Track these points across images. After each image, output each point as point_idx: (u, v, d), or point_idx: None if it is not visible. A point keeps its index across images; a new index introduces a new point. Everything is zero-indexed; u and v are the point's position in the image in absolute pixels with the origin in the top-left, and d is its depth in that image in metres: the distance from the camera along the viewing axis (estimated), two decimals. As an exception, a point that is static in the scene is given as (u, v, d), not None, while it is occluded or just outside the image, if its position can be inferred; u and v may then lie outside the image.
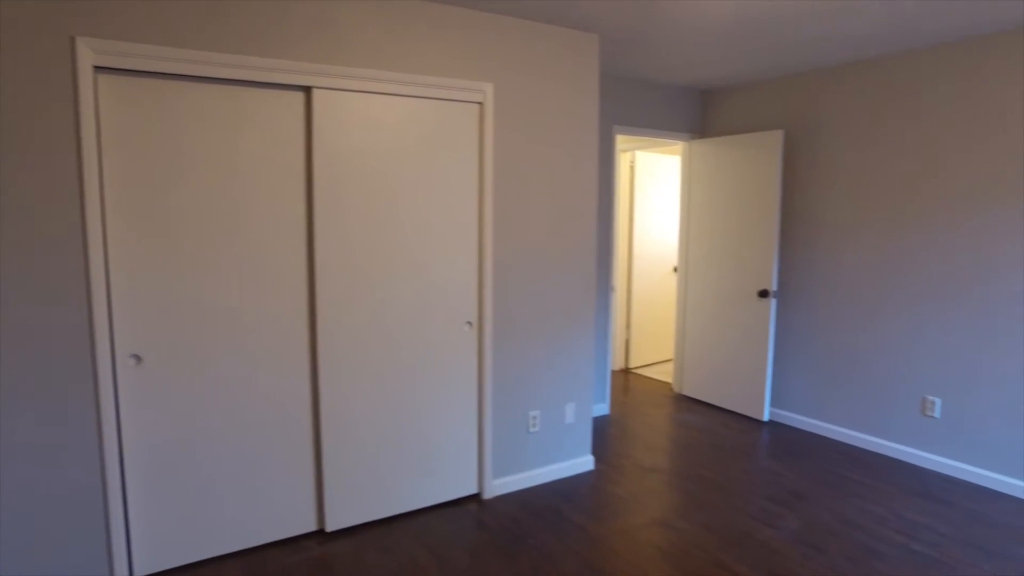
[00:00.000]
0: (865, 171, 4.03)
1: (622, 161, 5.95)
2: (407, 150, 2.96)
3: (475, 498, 3.34)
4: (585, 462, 3.69)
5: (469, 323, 3.22)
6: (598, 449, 4.03)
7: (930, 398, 3.77)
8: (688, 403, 5.03)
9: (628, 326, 6.03)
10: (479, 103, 3.14)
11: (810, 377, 4.41)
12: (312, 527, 2.94)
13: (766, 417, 4.57)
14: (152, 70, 2.38)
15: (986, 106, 3.46)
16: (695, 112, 5.02)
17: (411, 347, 3.06)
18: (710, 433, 4.35)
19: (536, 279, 3.39)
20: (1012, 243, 3.39)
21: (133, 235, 2.43)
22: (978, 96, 3.49)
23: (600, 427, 4.46)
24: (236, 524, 2.75)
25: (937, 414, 3.75)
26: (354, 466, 2.97)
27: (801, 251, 4.42)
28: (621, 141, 5.89)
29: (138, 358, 2.48)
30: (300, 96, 2.71)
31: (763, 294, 4.46)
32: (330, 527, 2.95)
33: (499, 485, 3.38)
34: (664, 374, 5.86)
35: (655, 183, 6.07)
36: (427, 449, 3.16)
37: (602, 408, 4.73)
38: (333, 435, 2.90)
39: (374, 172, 2.88)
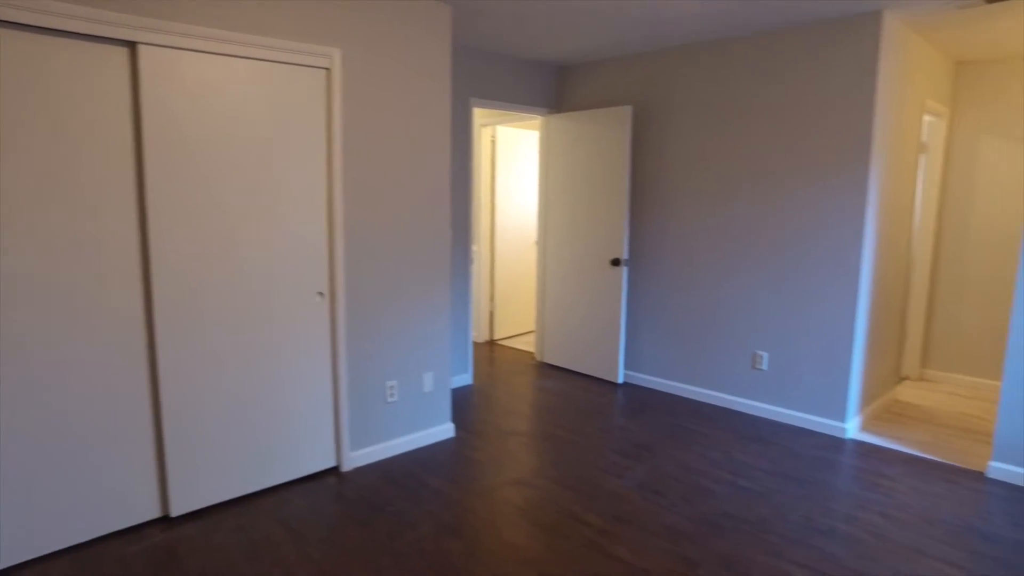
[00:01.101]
0: (708, 146, 4.34)
1: (483, 135, 6.01)
2: (250, 115, 2.82)
3: (334, 471, 3.30)
4: (445, 430, 3.74)
5: (321, 294, 3.14)
6: (460, 417, 4.10)
7: (759, 352, 4.17)
8: (549, 370, 5.23)
9: (492, 299, 6.14)
10: (326, 69, 3.05)
11: (660, 340, 4.72)
12: (156, 514, 2.77)
13: (620, 379, 4.85)
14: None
15: (816, 89, 3.83)
16: (552, 87, 5.16)
17: (260, 320, 2.95)
18: (568, 397, 4.56)
19: (390, 250, 3.36)
20: (828, 214, 3.80)
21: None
22: (809, 79, 3.86)
23: (463, 396, 4.54)
24: (63, 519, 2.53)
25: (765, 367, 4.15)
26: (201, 447, 2.83)
27: (651, 221, 4.69)
28: (482, 115, 5.94)
29: (-69, 340, 2.21)
30: (124, 52, 2.50)
31: (615, 263, 4.71)
32: (175, 512, 2.79)
33: (358, 457, 3.36)
34: (528, 344, 6.04)
35: (517, 157, 6.18)
36: (281, 424, 3.07)
37: (465, 378, 4.81)
38: (176, 416, 2.74)
39: (214, 138, 2.72)
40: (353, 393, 3.30)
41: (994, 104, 4.57)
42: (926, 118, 4.61)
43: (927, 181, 4.82)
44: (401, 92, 3.31)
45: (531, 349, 5.86)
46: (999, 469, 3.28)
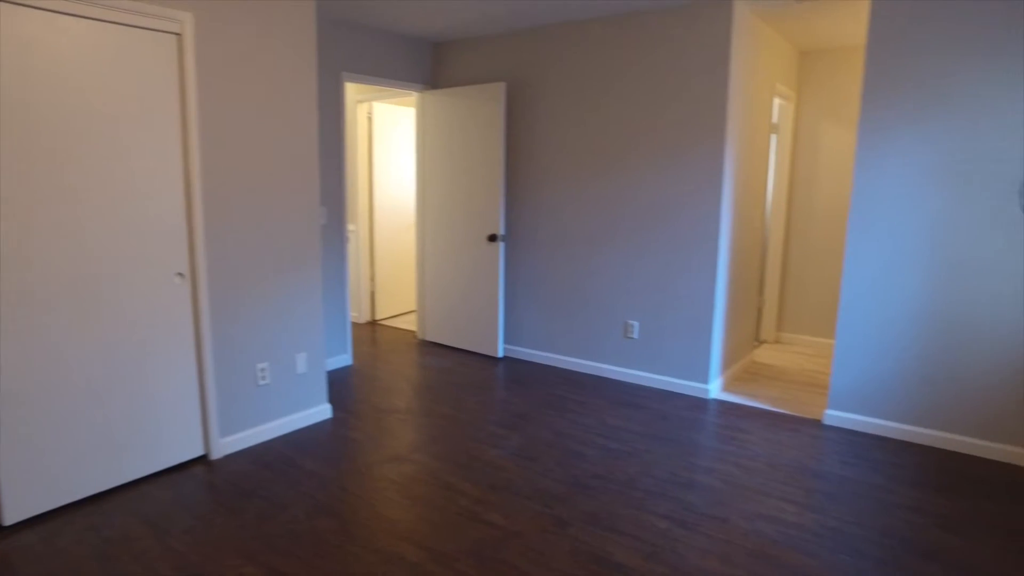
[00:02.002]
0: (578, 123, 4.46)
1: (359, 112, 5.85)
2: (91, 81, 2.59)
3: (203, 459, 3.15)
4: (322, 411, 3.67)
5: (180, 274, 2.97)
6: (338, 397, 4.03)
7: (631, 322, 4.38)
8: (430, 348, 5.23)
9: (373, 278, 6.04)
10: (177, 34, 2.85)
11: (537, 313, 4.84)
12: (-14, 523, 2.53)
13: (500, 354, 4.94)
14: None
15: (677, 69, 4.02)
16: (427, 63, 5.11)
17: (110, 303, 2.74)
18: (449, 373, 4.59)
19: (257, 228, 3.22)
20: (688, 188, 4.02)
21: None
22: (670, 60, 4.04)
23: (341, 377, 4.45)
24: None
25: (636, 335, 4.37)
26: (40, 446, 2.59)
27: (526, 196, 4.78)
28: (358, 91, 5.79)
29: None
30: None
31: (492, 238, 4.76)
32: (8, 520, 2.54)
33: (229, 443, 3.22)
34: (411, 324, 6.01)
35: (395, 135, 6.08)
36: (139, 415, 2.88)
37: (344, 359, 4.72)
38: (11, 413, 2.49)
39: (48, 105, 2.47)
40: (220, 377, 3.16)
41: (830, 90, 5.01)
42: (776, 101, 4.98)
43: (779, 160, 5.22)
44: (263, 62, 3.16)
45: (413, 328, 5.84)
46: (833, 416, 3.65)
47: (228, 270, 3.13)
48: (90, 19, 2.58)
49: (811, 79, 5.10)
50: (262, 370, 3.33)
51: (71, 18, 2.53)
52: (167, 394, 2.98)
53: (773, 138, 5.18)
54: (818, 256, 5.24)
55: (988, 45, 3.03)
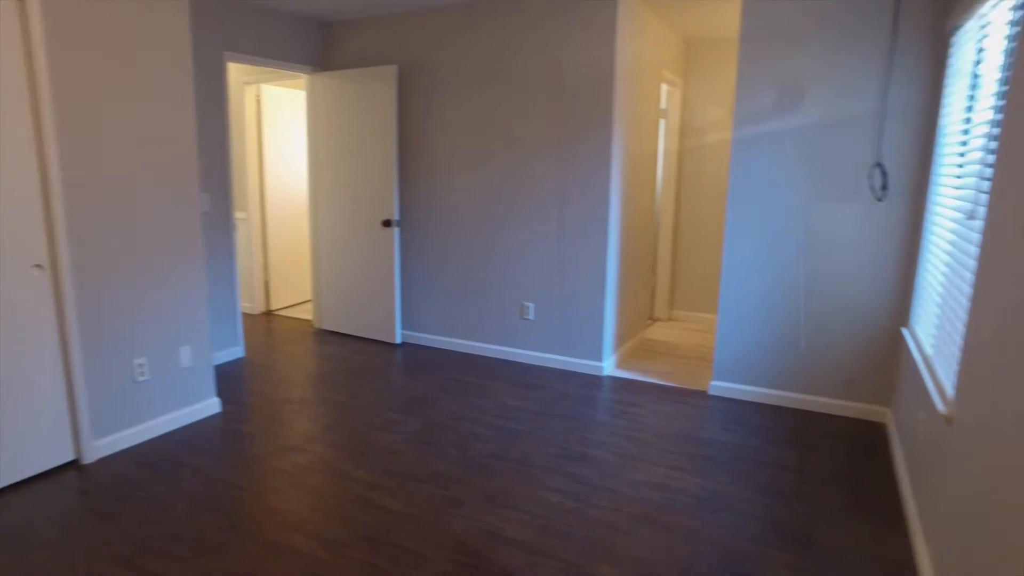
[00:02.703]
0: (469, 107, 4.44)
1: (247, 95, 5.59)
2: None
3: (74, 464, 2.94)
4: (210, 405, 3.51)
5: (39, 266, 2.74)
6: (229, 391, 3.87)
7: (526, 303, 4.44)
8: (327, 336, 5.11)
9: (266, 267, 5.82)
10: None
11: (435, 298, 4.82)
12: None
13: (399, 340, 4.89)
14: None
15: (565, 54, 4.07)
16: (316, 44, 4.94)
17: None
18: (345, 361, 4.50)
19: (127, 215, 3.02)
20: (577, 172, 4.10)
21: None
22: (558, 45, 4.08)
23: (233, 370, 4.28)
24: None
25: (532, 316, 4.44)
26: None
27: (421, 181, 4.73)
28: (245, 73, 5.52)
29: None
30: None
31: (387, 223, 4.69)
32: None
33: (104, 445, 3.03)
34: (307, 313, 5.84)
35: (286, 119, 5.85)
36: (-6, 419, 2.66)
37: (236, 351, 4.53)
38: None
39: None
40: (92, 376, 2.95)
41: (714, 78, 5.25)
42: (664, 87, 5.16)
43: (667, 144, 5.43)
44: (128, 35, 2.95)
45: (310, 317, 5.67)
46: (717, 386, 3.87)
47: (96, 260, 2.92)
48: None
49: (696, 67, 5.32)
50: (140, 366, 3.14)
51: None
52: (26, 397, 2.76)
53: (662, 123, 5.38)
54: (706, 236, 5.50)
55: (841, 39, 3.26)
